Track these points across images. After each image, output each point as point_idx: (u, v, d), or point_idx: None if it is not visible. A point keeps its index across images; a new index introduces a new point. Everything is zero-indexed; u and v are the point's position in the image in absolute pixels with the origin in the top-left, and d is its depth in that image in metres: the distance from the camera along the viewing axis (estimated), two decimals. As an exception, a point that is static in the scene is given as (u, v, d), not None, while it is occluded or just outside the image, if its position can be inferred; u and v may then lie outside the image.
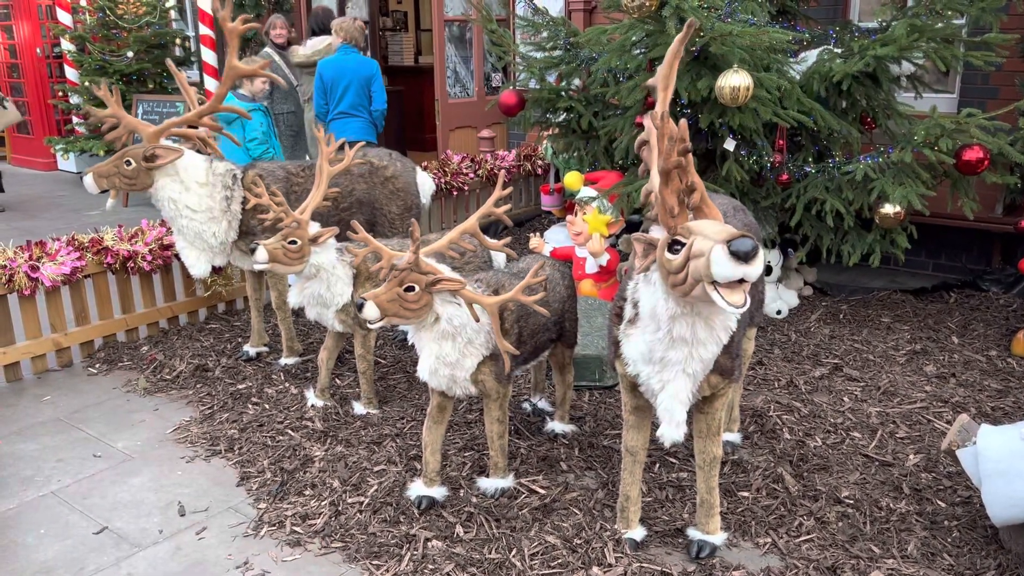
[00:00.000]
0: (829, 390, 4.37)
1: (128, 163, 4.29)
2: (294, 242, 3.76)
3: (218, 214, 4.45)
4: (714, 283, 2.20)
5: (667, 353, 2.59)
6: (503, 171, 3.38)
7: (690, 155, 2.35)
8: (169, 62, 4.80)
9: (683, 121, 2.36)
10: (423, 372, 3.14)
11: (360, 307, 2.87)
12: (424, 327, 3.04)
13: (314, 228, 3.83)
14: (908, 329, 5.20)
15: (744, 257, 2.12)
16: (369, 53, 6.96)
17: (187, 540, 3.22)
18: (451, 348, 3.07)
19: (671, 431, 2.66)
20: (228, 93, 4.45)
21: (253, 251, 3.74)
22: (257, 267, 3.81)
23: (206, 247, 4.53)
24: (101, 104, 8.05)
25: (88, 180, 4.33)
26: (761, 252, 2.16)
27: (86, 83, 9.64)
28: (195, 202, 4.40)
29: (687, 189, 2.36)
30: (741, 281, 2.17)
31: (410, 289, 2.90)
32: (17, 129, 11.54)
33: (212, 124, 4.54)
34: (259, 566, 3.04)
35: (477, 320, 3.02)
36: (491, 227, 7.17)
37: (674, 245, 2.35)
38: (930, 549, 3.05)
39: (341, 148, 4.27)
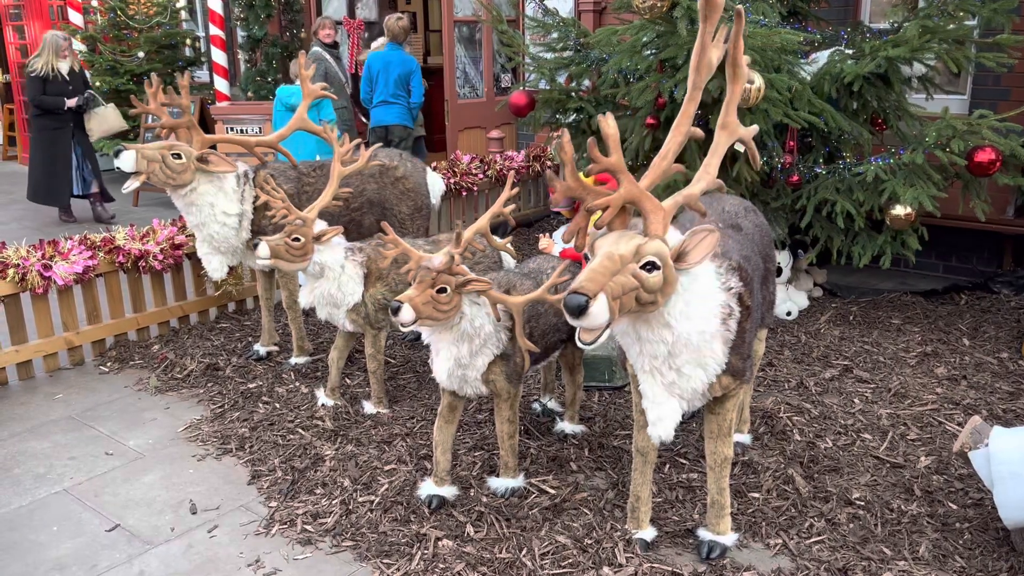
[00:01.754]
0: (839, 391, 4.36)
1: (178, 156, 4.25)
2: (297, 239, 3.79)
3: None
4: None
5: (627, 351, 2.67)
6: (511, 172, 3.40)
7: (607, 166, 2.35)
8: (148, 82, 4.53)
9: (603, 130, 2.34)
10: (441, 373, 3.14)
11: (396, 311, 2.86)
12: (445, 328, 3.05)
13: (321, 227, 3.85)
14: (918, 331, 5.19)
15: (570, 312, 2.27)
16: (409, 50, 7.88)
17: (199, 538, 3.23)
18: (467, 349, 3.08)
19: (651, 428, 2.73)
20: (289, 135, 4.57)
21: (255, 247, 3.78)
22: (260, 262, 3.85)
23: (229, 249, 4.56)
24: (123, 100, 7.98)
25: (130, 156, 4.22)
26: (594, 310, 2.25)
27: (97, 83, 9.69)
28: (231, 207, 4.43)
29: (592, 209, 2.39)
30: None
31: (443, 291, 2.91)
32: (28, 128, 11.59)
33: (259, 154, 4.70)
34: (270, 564, 3.05)
35: (499, 320, 3.06)
36: (498, 227, 7.18)
37: (587, 260, 2.46)
38: (942, 551, 3.04)
39: (357, 148, 4.29)
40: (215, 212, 4.40)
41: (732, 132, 2.60)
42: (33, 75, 7.64)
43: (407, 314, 2.86)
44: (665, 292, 2.43)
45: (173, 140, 4.39)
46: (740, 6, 2.56)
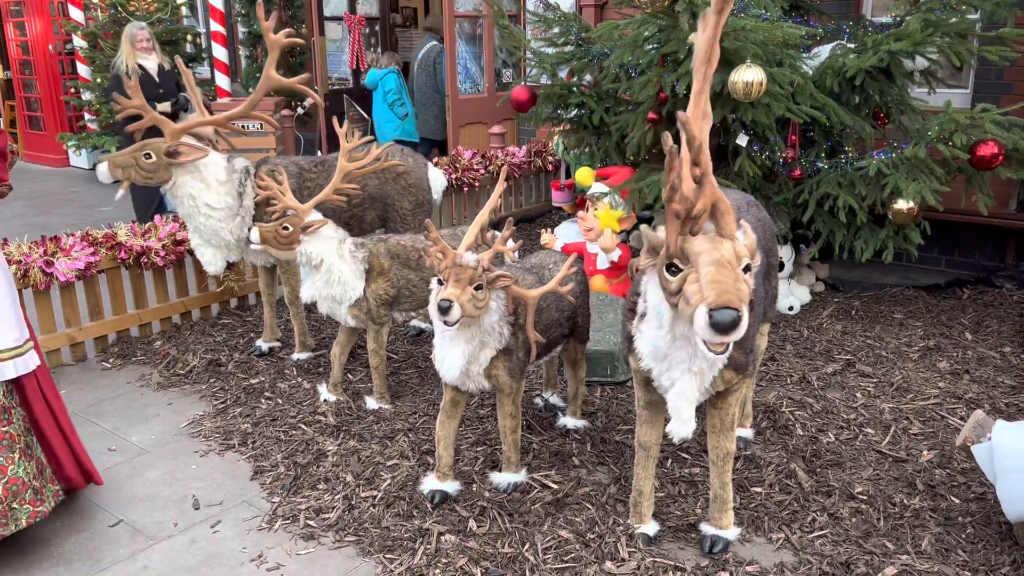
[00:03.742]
0: (842, 386, 4.36)
1: (148, 156, 4.26)
2: (287, 227, 3.87)
3: (236, 211, 4.47)
4: None
5: (671, 350, 2.60)
6: (504, 165, 3.40)
7: (698, 175, 2.24)
8: (179, 59, 4.76)
9: (689, 133, 2.22)
10: (452, 371, 3.12)
11: (446, 310, 2.83)
12: (466, 325, 3.05)
13: (315, 219, 3.89)
14: (921, 325, 5.18)
15: (722, 330, 2.15)
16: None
17: (202, 533, 3.24)
18: (478, 344, 3.08)
19: (678, 428, 2.67)
20: (261, 99, 4.43)
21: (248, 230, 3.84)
22: (252, 247, 3.97)
23: (222, 244, 4.54)
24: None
25: (103, 168, 4.27)
26: (744, 322, 2.15)
27: (98, 79, 9.69)
28: (215, 200, 4.40)
29: (690, 221, 2.31)
30: None
31: (479, 287, 2.92)
32: (30, 125, 11.60)
33: (236, 128, 4.55)
34: (273, 559, 3.06)
35: (511, 313, 3.07)
36: (497, 223, 7.19)
37: (671, 267, 2.35)
38: (944, 545, 3.04)
39: (366, 146, 4.29)
40: (197, 204, 4.38)
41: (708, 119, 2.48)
42: (116, 76, 6.43)
43: (457, 312, 2.85)
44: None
45: (148, 139, 4.35)
46: None
